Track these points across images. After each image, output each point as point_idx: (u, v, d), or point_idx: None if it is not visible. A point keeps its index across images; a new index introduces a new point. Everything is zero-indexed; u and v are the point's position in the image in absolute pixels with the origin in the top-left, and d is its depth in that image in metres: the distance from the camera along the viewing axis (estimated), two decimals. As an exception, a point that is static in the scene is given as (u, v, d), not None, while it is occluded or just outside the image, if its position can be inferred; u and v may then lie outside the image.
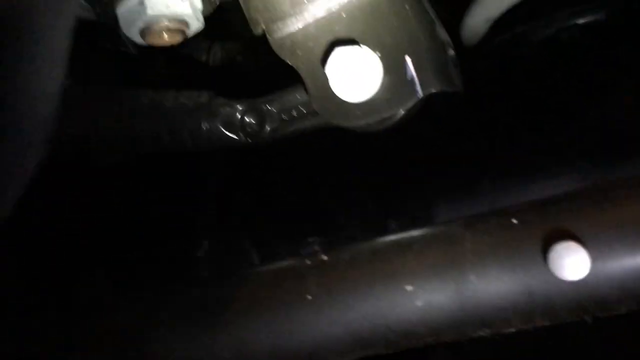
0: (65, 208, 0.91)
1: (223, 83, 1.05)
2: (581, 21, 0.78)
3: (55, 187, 0.90)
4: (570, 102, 0.79)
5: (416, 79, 0.71)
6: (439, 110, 0.85)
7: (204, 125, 0.81)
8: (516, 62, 0.85)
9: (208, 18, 0.94)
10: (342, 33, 0.74)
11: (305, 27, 0.75)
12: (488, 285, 0.47)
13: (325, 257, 0.52)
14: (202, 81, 1.08)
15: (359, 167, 0.99)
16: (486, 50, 0.87)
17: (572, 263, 0.44)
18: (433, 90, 0.71)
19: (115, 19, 0.81)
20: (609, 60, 0.77)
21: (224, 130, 0.81)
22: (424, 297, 0.49)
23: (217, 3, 0.86)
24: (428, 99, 0.73)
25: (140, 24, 0.79)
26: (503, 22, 0.86)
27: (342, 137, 0.85)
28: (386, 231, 0.92)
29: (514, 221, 0.48)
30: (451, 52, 0.75)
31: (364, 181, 0.98)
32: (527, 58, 0.83)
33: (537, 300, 0.46)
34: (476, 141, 0.88)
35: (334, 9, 0.74)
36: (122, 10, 0.79)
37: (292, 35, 0.76)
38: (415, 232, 0.52)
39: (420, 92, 0.71)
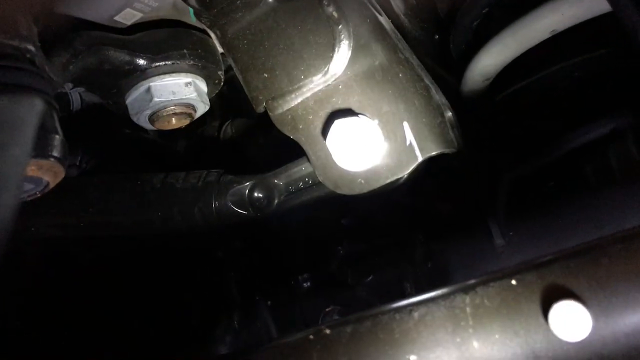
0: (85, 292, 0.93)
1: (234, 157, 1.08)
2: (576, 74, 0.79)
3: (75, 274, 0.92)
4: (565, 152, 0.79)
5: (415, 144, 0.72)
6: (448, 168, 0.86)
7: (214, 204, 0.83)
8: (515, 117, 0.86)
9: (220, 98, 0.98)
10: (340, 104, 0.76)
11: (304, 102, 0.77)
12: (492, 351, 0.46)
13: (328, 331, 0.51)
14: (214, 156, 1.11)
15: (373, 234, 0.99)
16: (487, 108, 0.88)
17: (573, 323, 0.43)
18: (432, 153, 0.72)
19: (125, 108, 0.85)
20: (600, 109, 0.77)
21: (234, 207, 0.83)
22: (429, 367, 0.48)
23: (222, 84, 0.90)
24: (429, 161, 0.74)
25: (148, 112, 0.83)
26: (501, 80, 0.87)
27: (354, 204, 0.85)
28: (403, 294, 0.92)
29: (513, 282, 0.48)
30: (449, 113, 0.76)
31: (379, 247, 0.98)
32: (523, 112, 0.84)
33: (543, 363, 0.45)
34: (485, 194, 0.88)
35: (330, 82, 0.76)
36: (130, 100, 0.83)
37: (292, 110, 0.78)
38: (415, 299, 0.51)
39: (419, 156, 0.72)
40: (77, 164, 1.06)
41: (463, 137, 0.77)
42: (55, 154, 0.51)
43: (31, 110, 0.47)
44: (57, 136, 0.52)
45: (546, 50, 0.80)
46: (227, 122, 1.09)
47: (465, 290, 0.50)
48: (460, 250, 0.89)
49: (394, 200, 0.89)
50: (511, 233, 0.85)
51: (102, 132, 1.11)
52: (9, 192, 0.42)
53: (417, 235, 0.92)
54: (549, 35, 0.78)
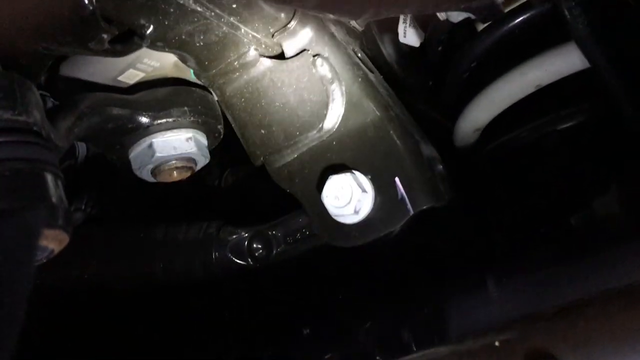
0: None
1: (234, 205, 1.10)
2: (561, 127, 0.82)
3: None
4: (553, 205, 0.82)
5: (406, 198, 0.75)
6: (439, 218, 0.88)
7: (214, 255, 0.85)
8: (504, 168, 0.89)
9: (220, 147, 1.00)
10: (334, 159, 0.79)
11: (300, 157, 0.80)
12: (476, 413, 0.48)
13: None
14: (215, 204, 1.14)
15: (372, 282, 1.01)
16: (478, 158, 0.91)
17: (553, 386, 0.45)
18: (423, 207, 0.75)
19: (128, 162, 0.88)
20: (589, 163, 0.80)
21: (233, 258, 0.85)
22: None
23: (221, 137, 0.93)
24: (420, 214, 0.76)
25: (150, 166, 0.86)
26: (492, 131, 0.90)
27: (354, 253, 0.87)
28: (400, 344, 0.93)
29: (496, 344, 0.50)
30: (439, 167, 0.79)
31: (377, 294, 0.99)
32: (513, 164, 0.87)
33: None
34: (478, 244, 0.90)
35: (325, 138, 0.79)
36: (133, 155, 0.86)
37: (288, 165, 0.81)
38: (403, 359, 0.54)
39: (411, 210, 0.75)
40: (83, 207, 1.09)
41: (453, 189, 0.80)
42: (60, 223, 0.54)
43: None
44: (62, 206, 0.55)
45: (535, 102, 0.83)
46: (227, 171, 1.13)
47: (451, 350, 0.52)
48: (456, 296, 0.90)
49: (390, 247, 0.91)
50: (504, 279, 0.87)
51: (107, 176, 1.14)
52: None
53: (414, 281, 0.94)
54: (535, 90, 0.81)
